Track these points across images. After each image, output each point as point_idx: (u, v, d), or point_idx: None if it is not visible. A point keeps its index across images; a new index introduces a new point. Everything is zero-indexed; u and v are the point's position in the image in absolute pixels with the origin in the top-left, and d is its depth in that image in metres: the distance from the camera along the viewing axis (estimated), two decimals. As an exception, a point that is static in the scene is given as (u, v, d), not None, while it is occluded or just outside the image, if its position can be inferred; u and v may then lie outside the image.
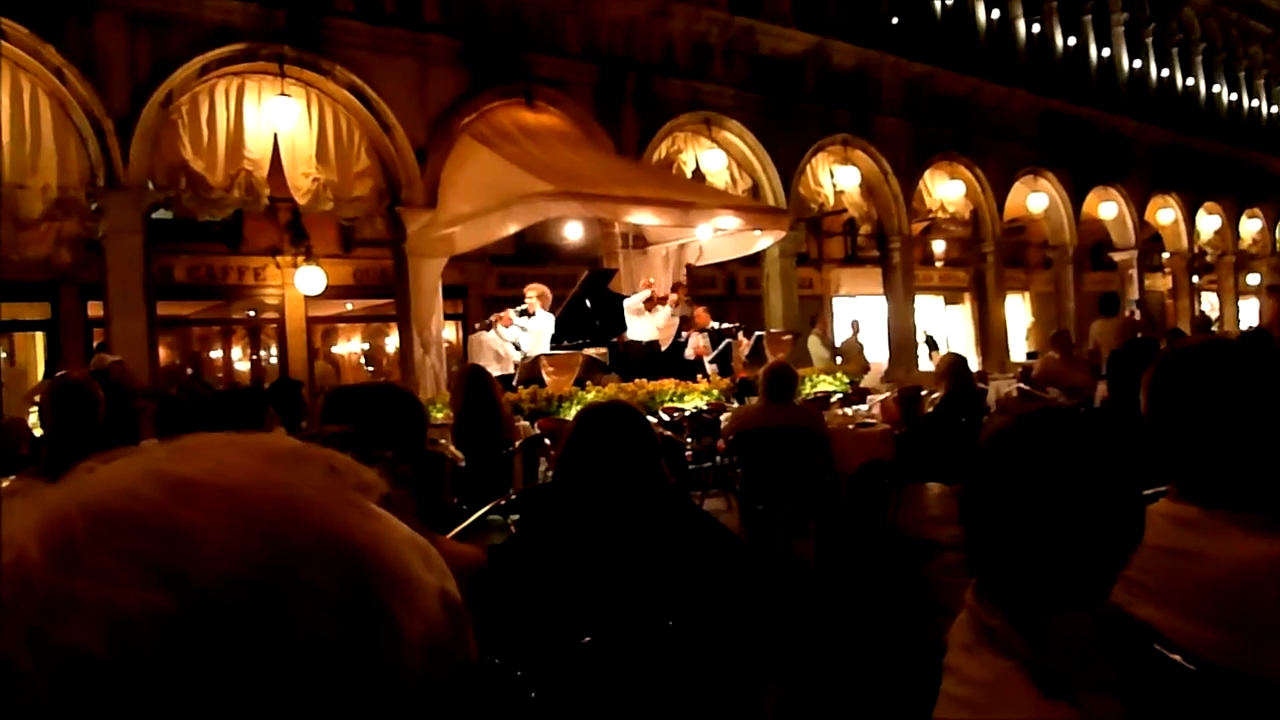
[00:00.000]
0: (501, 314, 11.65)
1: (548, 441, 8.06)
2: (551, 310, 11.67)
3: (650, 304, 12.65)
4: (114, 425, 4.63)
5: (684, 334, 12.86)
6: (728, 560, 2.54)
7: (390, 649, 0.48)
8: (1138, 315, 17.37)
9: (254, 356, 17.06)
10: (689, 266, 14.24)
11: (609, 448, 2.43)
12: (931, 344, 21.19)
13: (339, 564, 0.48)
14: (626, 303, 12.59)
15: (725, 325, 12.99)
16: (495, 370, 9.76)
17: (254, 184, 10.59)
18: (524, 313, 11.52)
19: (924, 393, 9.03)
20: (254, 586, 0.45)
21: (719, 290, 19.93)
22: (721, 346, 12.68)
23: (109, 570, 0.44)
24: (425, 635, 0.49)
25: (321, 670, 0.45)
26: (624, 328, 12.57)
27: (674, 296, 12.94)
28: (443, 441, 7.42)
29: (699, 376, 11.52)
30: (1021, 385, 11.67)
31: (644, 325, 12.66)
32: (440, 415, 9.68)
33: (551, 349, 11.05)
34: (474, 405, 7.04)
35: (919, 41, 17.54)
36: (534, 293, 11.41)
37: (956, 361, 8.21)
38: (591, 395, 10.04)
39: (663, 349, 12.84)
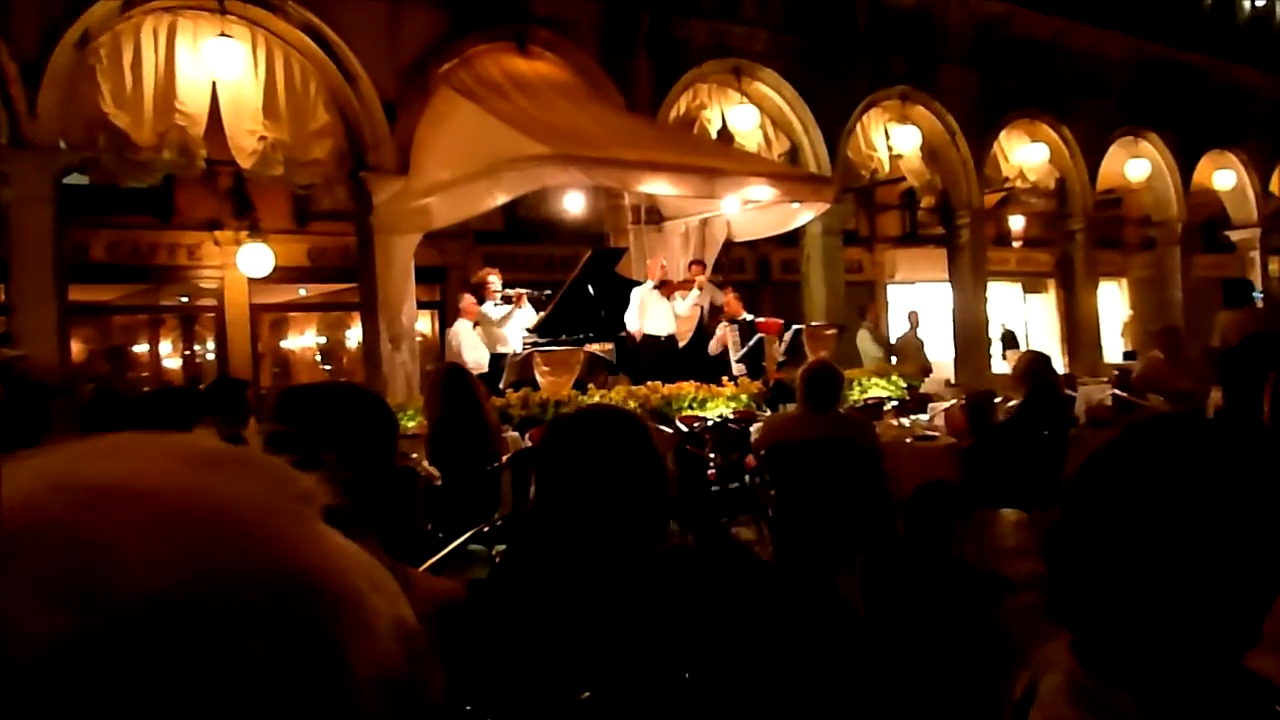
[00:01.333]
0: (463, 300, 11.70)
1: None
2: (539, 302, 11.73)
3: (667, 290, 12.66)
4: (16, 429, 4.65)
5: (716, 324, 12.92)
6: (756, 600, 2.52)
7: (334, 684, 0.48)
8: (1260, 305, 17.28)
9: (187, 351, 17.11)
10: (729, 244, 14.23)
11: (582, 472, 2.42)
12: (1009, 340, 21.15)
13: (275, 584, 0.48)
14: (637, 291, 12.59)
15: (761, 319, 13.01)
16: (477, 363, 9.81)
17: (188, 143, 10.59)
18: (507, 299, 11.58)
19: (997, 400, 9.00)
20: (175, 608, 0.45)
21: (749, 275, 19.95)
22: (752, 343, 12.67)
23: (6, 592, 0.44)
24: (376, 670, 0.49)
25: (253, 707, 0.45)
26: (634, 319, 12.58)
27: (700, 279, 12.97)
28: (415, 456, 7.42)
29: (724, 380, 11.51)
30: (1117, 391, 11.62)
31: (661, 316, 12.67)
32: (413, 424, 9.71)
33: (539, 341, 11.08)
34: (452, 412, 7.05)
35: (994, -26, 17.53)
36: (494, 276, 11.57)
37: (1037, 362, 8.17)
38: (596, 399, 10.04)
39: (681, 344, 12.84)
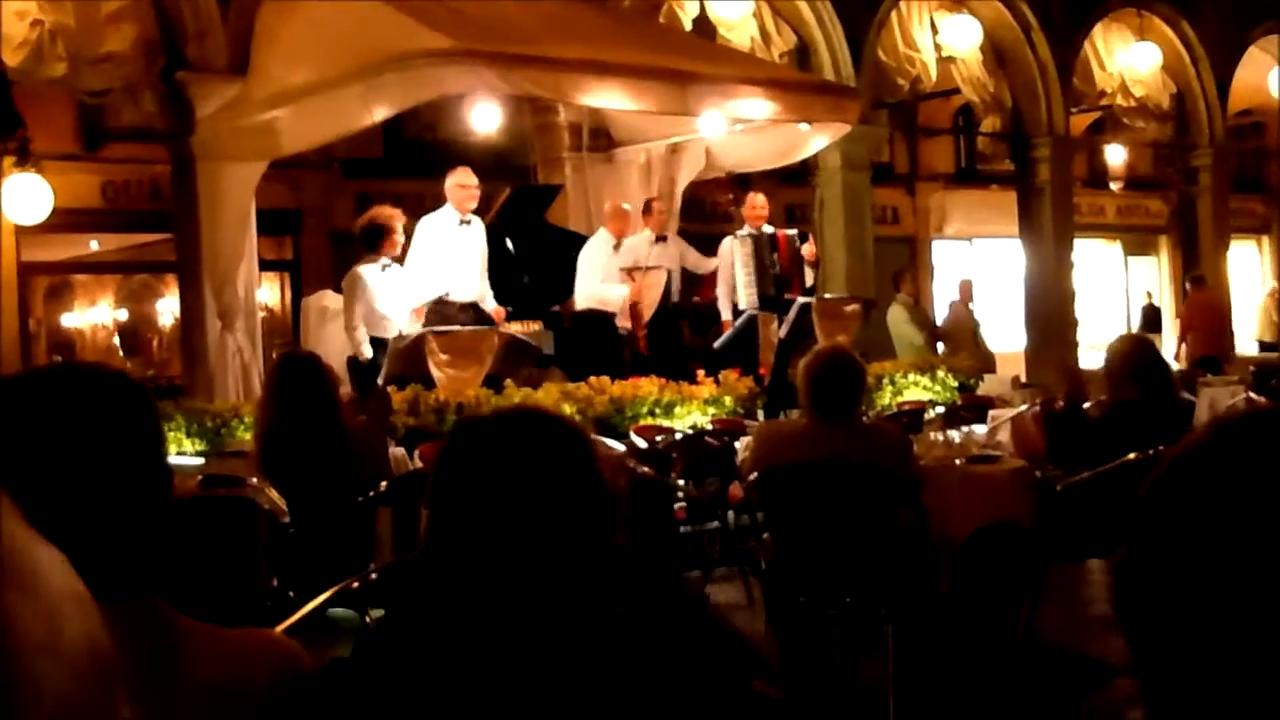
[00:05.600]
0: (390, 218, 11.26)
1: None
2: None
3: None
4: None
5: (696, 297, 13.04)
6: (739, 693, 2.53)
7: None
8: None
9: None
10: (733, 181, 14.22)
11: (492, 505, 2.41)
12: (1152, 319, 21.12)
13: None
14: (593, 248, 12.55)
15: (788, 230, 13.14)
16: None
17: (-75, 29, 10.48)
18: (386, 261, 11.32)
19: (1088, 406, 9.06)
20: None
21: (733, 224, 19.94)
22: (741, 321, 12.69)
23: None
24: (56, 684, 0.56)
25: None
26: (573, 288, 12.54)
27: (660, 221, 13.01)
28: (254, 482, 7.38)
29: (699, 374, 11.50)
30: (1253, 395, 11.73)
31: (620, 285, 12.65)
32: (250, 436, 9.66)
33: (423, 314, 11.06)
34: (294, 421, 7.01)
35: None
36: (399, 220, 11.32)
37: (1145, 353, 8.23)
38: (518, 400, 10.01)
39: (643, 322, 12.82)
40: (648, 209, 13.24)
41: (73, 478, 2.00)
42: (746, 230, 12.95)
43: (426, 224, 11.62)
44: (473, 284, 11.64)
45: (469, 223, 11.63)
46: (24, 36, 10.91)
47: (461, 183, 11.61)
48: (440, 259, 11.43)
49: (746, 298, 12.66)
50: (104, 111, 14.65)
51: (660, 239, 13.10)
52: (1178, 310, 21.69)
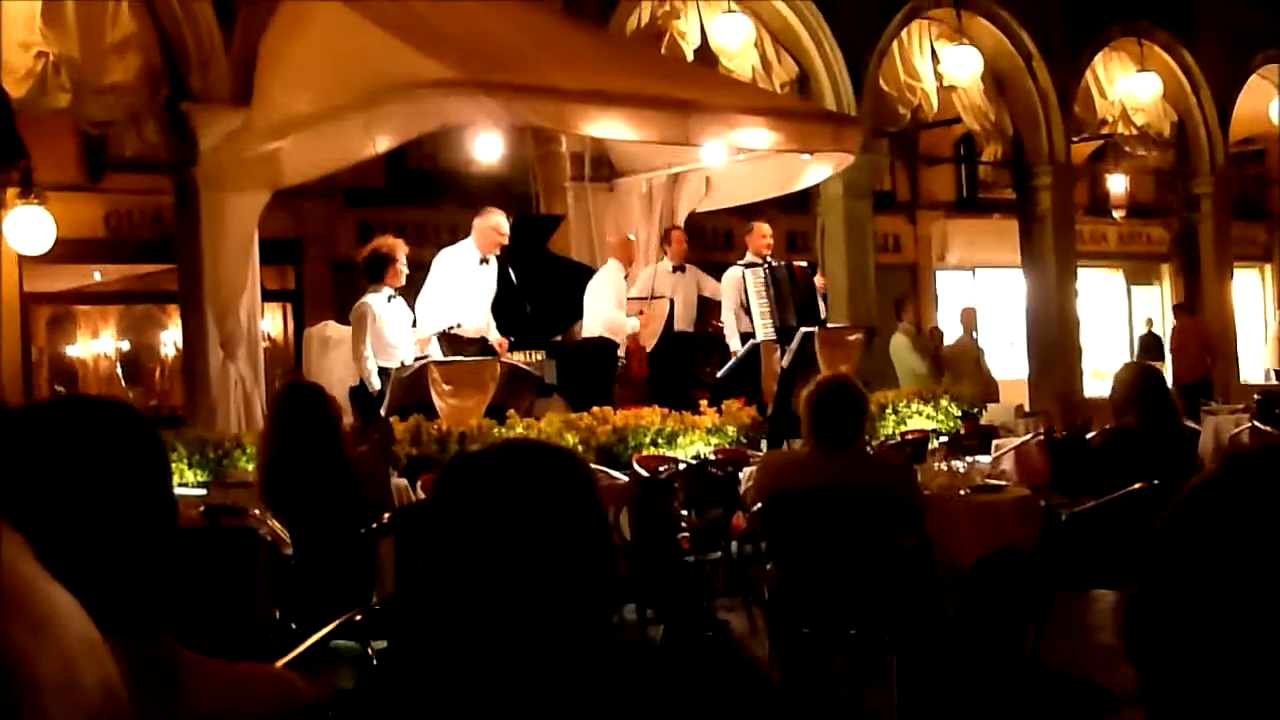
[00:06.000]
0: (395, 248, 11.22)
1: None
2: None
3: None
4: None
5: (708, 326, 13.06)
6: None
7: None
8: None
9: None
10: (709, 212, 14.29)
11: (493, 537, 2.39)
12: (1151, 346, 21.12)
13: None
14: (605, 277, 12.56)
15: (800, 262, 13.19)
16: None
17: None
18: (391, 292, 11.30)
19: (1092, 435, 9.05)
20: None
21: (735, 252, 19.96)
22: (744, 350, 12.69)
23: None
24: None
25: None
26: (576, 316, 12.54)
27: (674, 247, 13.08)
28: (256, 513, 7.36)
29: (703, 404, 11.50)
30: (1258, 424, 11.70)
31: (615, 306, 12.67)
32: (252, 466, 9.63)
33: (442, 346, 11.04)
34: (297, 450, 6.99)
35: None
36: (402, 250, 11.28)
37: (1148, 380, 8.23)
38: (520, 430, 10.00)
39: (647, 350, 12.83)
40: (667, 238, 13.38)
41: (80, 511, 2.00)
42: (752, 259, 12.99)
43: (447, 257, 11.68)
44: (482, 318, 11.69)
45: (488, 262, 11.68)
46: (28, 67, 10.92)
47: (497, 227, 11.67)
48: (456, 293, 11.48)
49: (762, 329, 12.68)
50: (107, 141, 14.70)
51: (679, 268, 13.23)
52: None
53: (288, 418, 7.18)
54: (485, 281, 11.76)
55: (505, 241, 11.71)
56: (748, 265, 13.00)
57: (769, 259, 13.02)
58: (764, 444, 11.06)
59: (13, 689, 0.80)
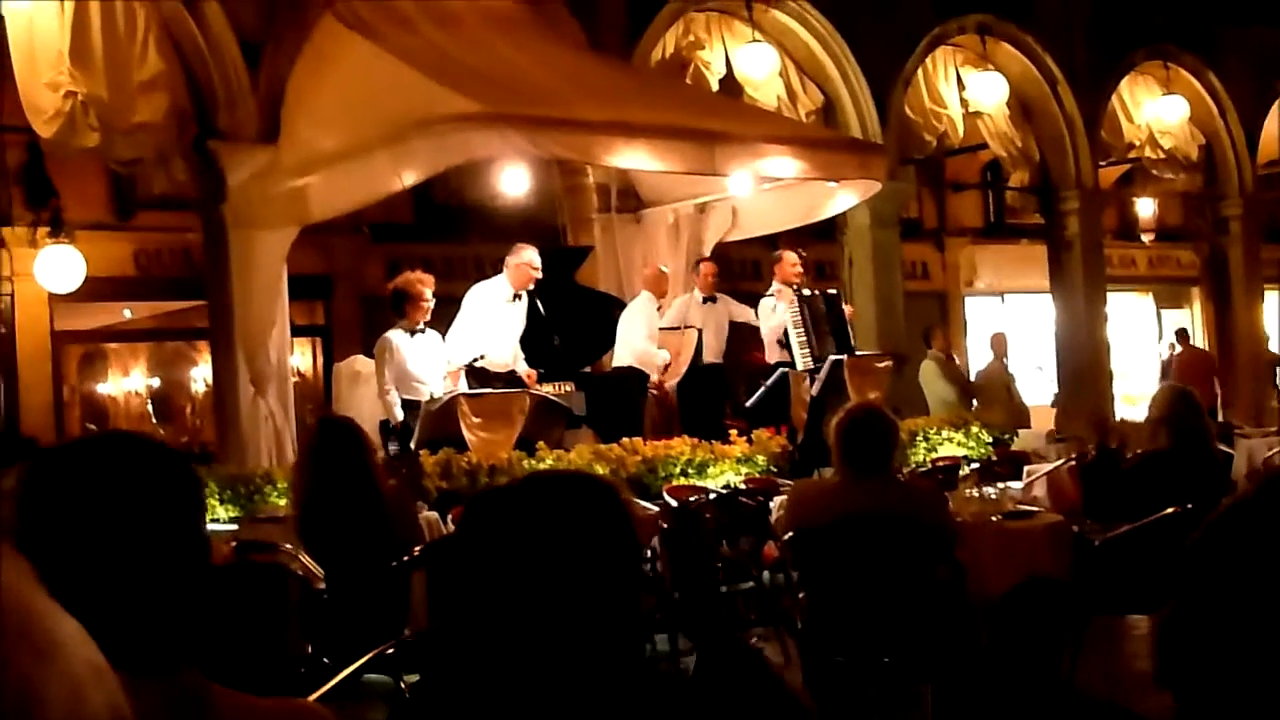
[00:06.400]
0: (415, 284, 11.27)
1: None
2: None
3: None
4: None
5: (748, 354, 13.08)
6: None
7: None
8: None
9: (-39, 399, 16.98)
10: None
11: (525, 570, 2.38)
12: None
13: None
14: (638, 308, 12.59)
15: (830, 290, 13.24)
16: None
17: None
18: (413, 327, 11.32)
19: (1128, 457, 9.00)
20: None
21: (762, 282, 19.98)
22: (774, 378, 12.68)
23: None
24: None
25: None
26: (605, 348, 12.55)
27: (703, 279, 13.15)
28: (288, 548, 7.36)
29: (732, 434, 11.48)
30: (1291, 446, 11.65)
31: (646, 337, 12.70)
32: (284, 501, 9.63)
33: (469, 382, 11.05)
34: (332, 485, 7.00)
35: None
36: (427, 286, 11.34)
37: (1181, 403, 8.19)
38: (549, 464, 9.99)
39: (672, 381, 12.83)
40: (696, 270, 13.41)
41: (117, 550, 2.00)
42: (782, 287, 13.04)
43: (479, 292, 11.76)
44: (509, 352, 11.73)
45: (520, 298, 11.74)
46: (57, 108, 10.97)
47: (531, 263, 11.76)
48: (485, 328, 11.53)
49: (801, 359, 12.71)
50: (136, 180, 14.76)
51: (710, 299, 13.27)
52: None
53: (323, 453, 7.18)
54: (514, 317, 11.83)
55: (539, 277, 11.76)
56: (778, 295, 13.06)
57: (801, 288, 13.05)
58: (791, 475, 11.02)
59: (19, 715, 0.80)
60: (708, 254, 14.23)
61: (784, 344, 12.95)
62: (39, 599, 0.92)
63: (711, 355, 13.39)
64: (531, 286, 11.79)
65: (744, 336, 13.67)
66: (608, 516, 2.43)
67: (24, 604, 0.89)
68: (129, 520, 2.02)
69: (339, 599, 6.80)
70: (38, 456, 2.16)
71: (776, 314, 13.03)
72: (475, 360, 11.46)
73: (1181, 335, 20.53)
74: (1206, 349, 21.21)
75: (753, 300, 13.84)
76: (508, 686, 2.36)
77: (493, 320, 11.62)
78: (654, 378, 12.59)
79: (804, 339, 12.79)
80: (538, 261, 11.78)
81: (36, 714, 0.81)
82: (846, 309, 13.39)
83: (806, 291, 13.04)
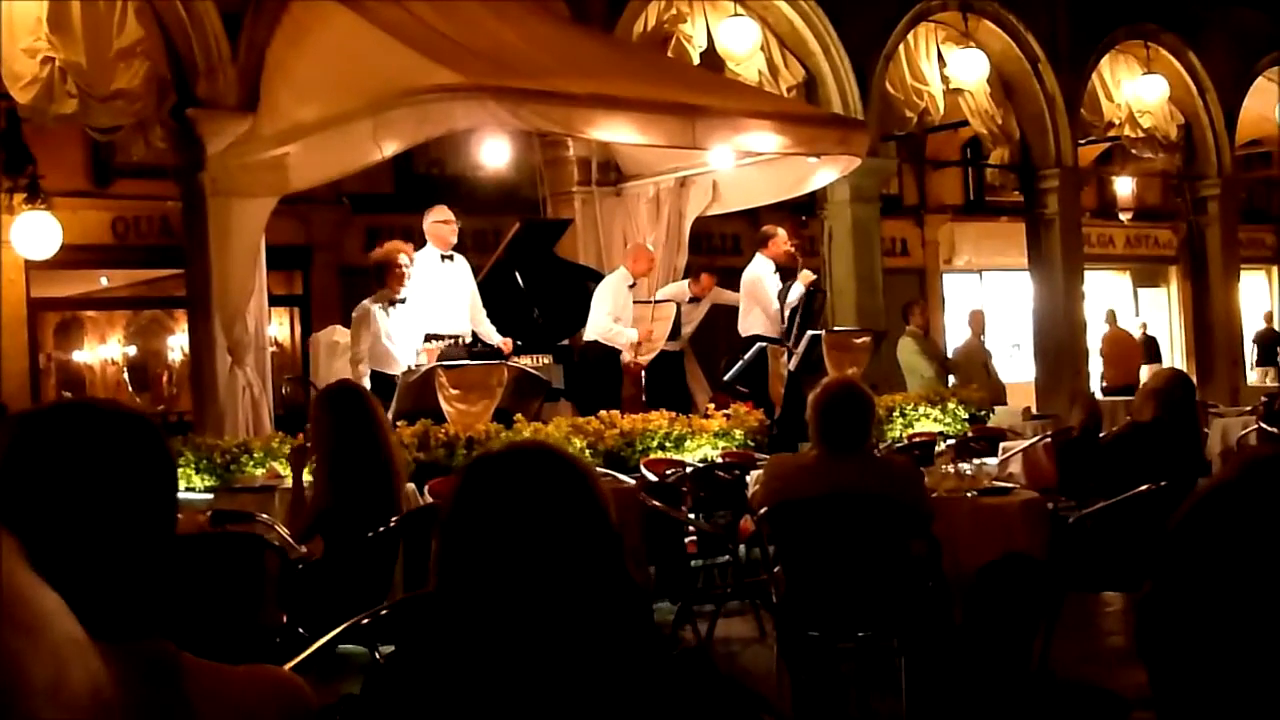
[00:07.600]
0: (393, 253, 11.24)
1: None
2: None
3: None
4: None
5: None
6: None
7: None
8: None
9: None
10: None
11: (503, 541, 2.38)
12: (1268, 346, 21.23)
13: None
14: (610, 284, 12.57)
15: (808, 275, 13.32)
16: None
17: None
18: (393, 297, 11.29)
19: (1102, 435, 9.04)
20: None
21: (743, 257, 19.99)
22: (752, 353, 12.69)
23: None
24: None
25: None
26: (584, 321, 12.55)
27: (701, 286, 13.29)
28: (264, 518, 7.35)
29: (709, 408, 11.50)
30: (1264, 426, 11.69)
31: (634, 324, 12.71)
32: (260, 473, 9.64)
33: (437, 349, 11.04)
34: (358, 451, 6.94)
35: None
36: (405, 254, 11.31)
37: (1174, 382, 8.24)
38: (528, 434, 9.99)
39: (647, 357, 12.84)
40: (697, 277, 13.64)
41: (88, 517, 1.99)
42: (766, 261, 13.17)
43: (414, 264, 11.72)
44: (460, 318, 11.69)
45: (451, 258, 11.70)
46: (34, 74, 10.92)
47: (438, 219, 11.80)
48: (426, 295, 11.46)
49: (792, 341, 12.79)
50: (114, 148, 14.69)
51: (695, 300, 13.47)
52: (1186, 340, 21.71)
53: (350, 412, 7.10)
54: (454, 279, 11.78)
55: (454, 229, 11.78)
56: (780, 273, 13.16)
57: (815, 283, 13.27)
58: (768, 449, 11.03)
59: (4, 690, 0.82)
60: (688, 228, 14.26)
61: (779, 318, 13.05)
62: (22, 573, 0.93)
63: (678, 346, 13.53)
64: (454, 240, 11.79)
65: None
66: (577, 484, 2.44)
67: (10, 581, 0.91)
68: (96, 486, 2.01)
69: (318, 570, 6.78)
70: (5, 422, 2.15)
71: (793, 293, 13.09)
72: (445, 335, 11.45)
73: (1110, 316, 20.99)
74: (1129, 331, 21.80)
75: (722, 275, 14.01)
76: (484, 654, 2.36)
77: (431, 286, 11.55)
78: (624, 356, 12.59)
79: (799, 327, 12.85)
80: (448, 215, 11.82)
81: (21, 688, 0.83)
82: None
83: (814, 288, 13.21)
